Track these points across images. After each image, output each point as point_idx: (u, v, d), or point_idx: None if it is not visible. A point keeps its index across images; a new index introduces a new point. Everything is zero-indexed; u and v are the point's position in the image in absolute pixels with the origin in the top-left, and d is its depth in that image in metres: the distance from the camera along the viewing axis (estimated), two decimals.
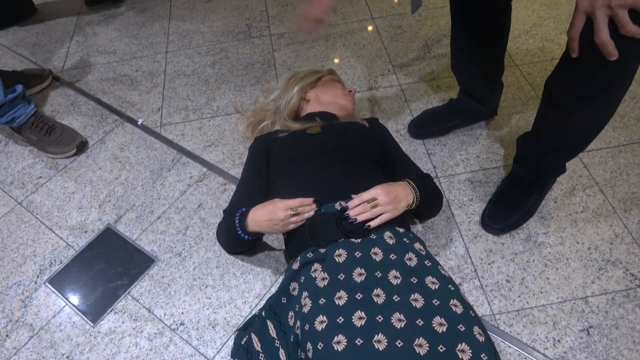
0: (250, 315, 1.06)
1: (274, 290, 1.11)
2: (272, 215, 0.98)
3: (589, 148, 1.31)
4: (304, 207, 0.98)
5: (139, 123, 1.54)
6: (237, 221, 1.02)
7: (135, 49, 1.81)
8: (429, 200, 1.11)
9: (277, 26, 1.84)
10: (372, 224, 0.95)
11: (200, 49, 1.78)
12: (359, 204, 0.95)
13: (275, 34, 1.81)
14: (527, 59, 1.58)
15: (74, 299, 1.16)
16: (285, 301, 0.97)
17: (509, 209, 1.18)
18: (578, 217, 1.19)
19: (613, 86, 0.87)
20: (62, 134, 1.47)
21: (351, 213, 0.95)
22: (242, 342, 0.97)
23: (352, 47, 1.71)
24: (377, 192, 0.96)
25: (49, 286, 1.19)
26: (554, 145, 1.06)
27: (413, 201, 1.01)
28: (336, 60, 1.67)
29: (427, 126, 1.39)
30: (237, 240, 1.05)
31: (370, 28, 1.78)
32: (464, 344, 0.78)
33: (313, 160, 1.07)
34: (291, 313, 0.93)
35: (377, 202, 0.95)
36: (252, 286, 1.14)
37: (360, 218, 0.94)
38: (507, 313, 1.05)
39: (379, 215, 0.95)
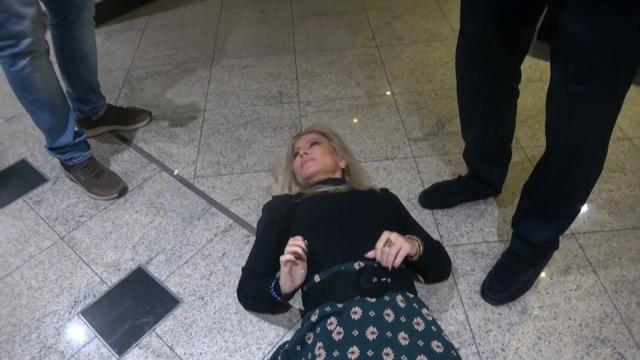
0: None
1: (286, 338, 1.21)
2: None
3: (585, 230, 1.43)
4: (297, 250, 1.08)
5: (175, 173, 1.70)
6: (273, 289, 1.14)
7: (177, 105, 2.01)
8: (434, 257, 1.24)
9: (306, 94, 2.03)
10: (396, 263, 1.06)
11: (235, 110, 1.97)
12: (381, 254, 1.07)
13: (303, 101, 2.00)
14: (532, 142, 1.73)
15: (103, 331, 1.27)
16: (299, 349, 1.06)
17: (507, 281, 1.28)
18: (572, 295, 1.28)
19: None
20: (108, 178, 1.62)
21: (382, 263, 1.07)
22: None
23: (372, 119, 1.88)
24: (386, 234, 1.09)
25: (82, 317, 1.30)
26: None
27: (418, 244, 1.14)
28: (356, 123, 1.83)
29: (437, 198, 1.52)
30: (269, 302, 1.16)
31: (389, 102, 1.96)
32: None
33: (334, 224, 1.20)
34: None
35: (392, 242, 1.07)
36: (266, 334, 1.24)
37: (389, 263, 1.06)
38: None
39: (398, 253, 1.06)
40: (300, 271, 1.10)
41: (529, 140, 1.74)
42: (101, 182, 1.61)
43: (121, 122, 1.88)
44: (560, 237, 1.39)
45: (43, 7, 1.40)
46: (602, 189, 1.55)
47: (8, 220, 1.57)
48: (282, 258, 1.08)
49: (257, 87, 2.09)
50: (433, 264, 1.27)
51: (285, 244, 1.16)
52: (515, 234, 1.32)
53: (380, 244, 1.08)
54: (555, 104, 1.03)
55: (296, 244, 1.07)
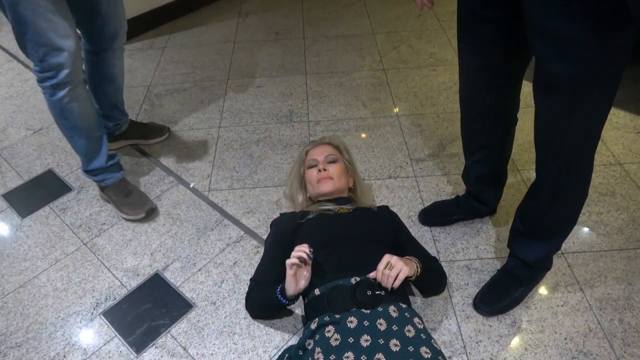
0: None
1: (291, 343, 1.31)
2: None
3: (574, 250, 1.52)
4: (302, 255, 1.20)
5: (191, 186, 1.82)
6: (279, 292, 1.25)
7: (193, 122, 2.14)
8: (431, 275, 1.34)
9: (315, 114, 2.15)
10: (395, 285, 1.16)
11: (248, 127, 2.09)
12: (382, 276, 1.18)
13: (313, 120, 2.11)
14: (527, 165, 1.83)
15: (123, 331, 1.38)
16: (301, 354, 1.16)
17: (498, 295, 1.38)
18: (558, 310, 1.37)
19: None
20: (137, 197, 1.70)
21: (382, 284, 1.17)
22: None
23: (377, 139, 1.99)
24: (387, 257, 1.19)
25: (103, 318, 1.41)
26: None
27: (417, 266, 1.24)
28: (362, 142, 1.94)
29: (435, 216, 1.62)
30: (277, 306, 1.28)
31: (394, 124, 2.07)
32: None
33: (334, 243, 1.30)
34: None
35: (391, 264, 1.17)
36: (272, 338, 1.34)
37: (389, 285, 1.16)
38: None
39: (397, 276, 1.16)
40: (305, 274, 1.22)
41: (525, 164, 1.83)
42: (130, 201, 1.69)
43: (142, 136, 1.99)
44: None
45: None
46: (592, 212, 1.64)
47: (36, 226, 1.70)
48: (288, 261, 1.19)
49: (269, 106, 2.21)
50: (429, 282, 1.38)
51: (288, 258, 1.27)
52: (511, 253, 1.42)
53: (381, 266, 1.19)
54: (539, 121, 1.12)
55: (302, 250, 1.19)
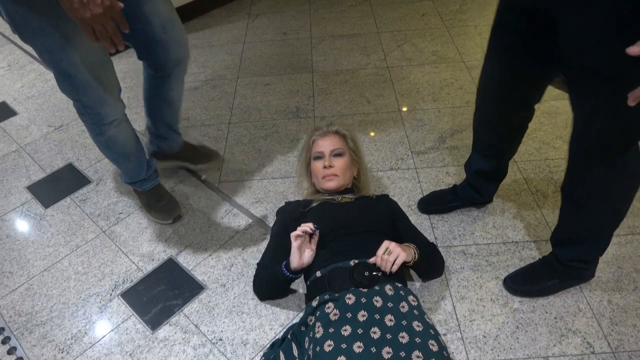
0: (275, 339, 1.34)
1: (295, 321, 1.40)
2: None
3: None
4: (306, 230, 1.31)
5: (202, 178, 1.92)
6: (284, 266, 1.35)
7: (205, 118, 2.24)
8: (429, 261, 1.42)
9: (321, 110, 2.24)
10: (393, 269, 1.25)
11: (257, 123, 2.19)
12: (381, 261, 1.26)
13: (318, 116, 2.20)
14: (524, 157, 1.90)
15: (139, 310, 1.48)
16: (304, 329, 1.25)
17: (530, 280, 1.43)
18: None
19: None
20: (167, 203, 1.73)
21: (382, 268, 1.26)
22: (271, 357, 1.25)
23: (380, 133, 2.08)
24: (385, 243, 1.28)
25: (121, 299, 1.52)
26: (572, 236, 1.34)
27: (414, 252, 1.33)
28: (365, 137, 2.03)
29: (433, 204, 1.70)
30: (282, 282, 1.37)
31: (396, 119, 2.15)
32: None
33: (335, 230, 1.39)
34: (307, 338, 1.21)
35: (390, 249, 1.26)
36: (278, 317, 1.43)
37: (387, 269, 1.25)
38: None
39: (395, 261, 1.25)
40: (309, 251, 1.32)
41: (522, 155, 1.90)
42: (160, 206, 1.72)
43: (191, 160, 1.91)
44: (544, 242, 1.56)
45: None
46: None
47: (58, 215, 1.81)
48: (293, 233, 1.30)
49: (277, 103, 2.31)
50: (427, 267, 1.46)
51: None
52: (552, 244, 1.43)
53: (380, 251, 1.27)
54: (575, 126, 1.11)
55: (307, 225, 1.29)
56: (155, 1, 1.35)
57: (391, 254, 1.26)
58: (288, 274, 1.33)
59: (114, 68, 1.39)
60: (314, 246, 1.34)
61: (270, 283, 1.42)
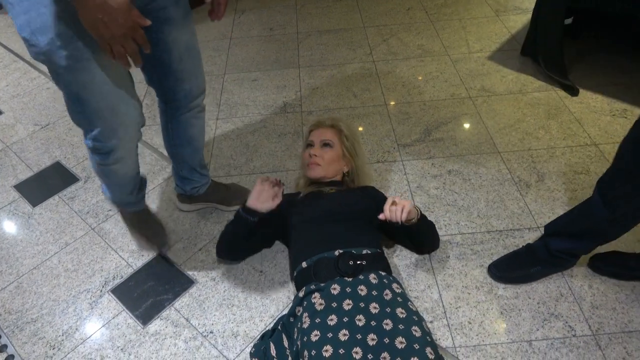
0: (265, 330, 1.37)
1: (285, 312, 1.42)
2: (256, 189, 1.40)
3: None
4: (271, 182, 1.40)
5: None
6: (241, 209, 1.40)
7: None
8: (428, 224, 1.48)
9: (308, 105, 2.26)
10: (403, 217, 1.29)
11: (244, 119, 2.20)
12: (389, 212, 1.30)
13: (305, 111, 2.22)
14: (508, 147, 1.93)
15: (130, 306, 1.49)
16: (292, 320, 1.28)
17: (512, 266, 1.46)
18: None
19: None
20: (152, 230, 1.62)
21: (392, 219, 1.30)
22: (262, 348, 1.27)
23: (367, 126, 2.10)
24: (390, 198, 1.34)
25: (111, 294, 1.53)
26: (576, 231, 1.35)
27: (417, 208, 1.39)
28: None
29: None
30: (240, 225, 1.42)
31: (383, 112, 2.18)
32: (416, 357, 1.06)
33: (321, 221, 1.41)
34: (295, 329, 1.23)
35: (396, 202, 1.31)
36: (267, 308, 1.45)
37: (398, 218, 1.29)
38: (466, 347, 1.32)
39: (403, 209, 1.30)
40: (269, 201, 1.39)
41: (506, 145, 1.94)
42: (144, 232, 1.63)
43: (223, 201, 1.75)
44: (527, 230, 1.60)
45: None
46: (567, 189, 1.74)
47: (46, 213, 1.81)
48: (262, 177, 1.41)
49: (264, 99, 2.32)
50: (428, 230, 1.49)
51: (282, 228, 1.47)
52: (542, 237, 1.47)
53: (387, 205, 1.32)
54: None
55: (276, 178, 1.41)
56: (180, 28, 1.23)
57: (398, 205, 1.30)
58: (243, 213, 1.39)
59: (134, 89, 1.25)
60: (275, 202, 1.40)
61: (228, 227, 1.46)
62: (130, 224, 1.67)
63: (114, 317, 1.46)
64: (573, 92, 2.17)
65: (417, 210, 1.38)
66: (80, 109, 1.15)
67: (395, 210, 1.29)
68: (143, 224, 1.64)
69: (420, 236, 1.49)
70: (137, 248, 1.65)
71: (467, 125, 2.05)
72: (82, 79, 1.07)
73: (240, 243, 1.49)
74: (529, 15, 2.34)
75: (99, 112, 1.15)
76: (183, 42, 1.26)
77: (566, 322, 1.36)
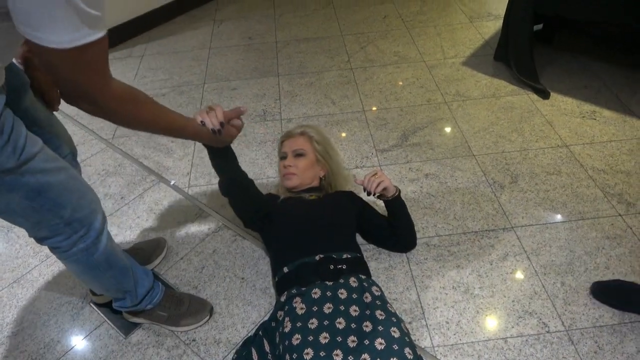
0: (247, 336, 1.38)
1: (266, 318, 1.44)
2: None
3: (523, 224, 1.67)
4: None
5: (172, 184, 1.94)
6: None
7: None
8: (405, 212, 1.55)
9: (287, 112, 2.29)
10: (378, 190, 1.44)
11: None
12: (367, 182, 1.44)
13: (285, 118, 2.25)
14: (482, 150, 1.99)
15: (111, 317, 1.49)
16: (274, 325, 1.29)
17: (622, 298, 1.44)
18: (507, 277, 1.52)
19: None
20: (190, 303, 1.45)
21: (367, 187, 1.44)
22: (243, 354, 1.29)
23: (345, 133, 2.14)
24: (374, 169, 1.47)
25: (93, 306, 1.53)
26: None
27: (397, 190, 1.50)
28: (331, 137, 2.08)
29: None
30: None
31: (361, 118, 2.22)
32: (395, 358, 1.09)
33: (301, 227, 1.44)
34: (277, 333, 1.25)
35: (377, 174, 1.46)
36: (249, 315, 1.47)
37: (372, 189, 1.44)
38: (444, 347, 1.36)
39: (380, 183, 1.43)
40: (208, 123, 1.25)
41: (480, 149, 1.99)
42: (185, 309, 1.43)
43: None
44: (502, 230, 1.65)
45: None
46: (539, 189, 1.80)
47: None
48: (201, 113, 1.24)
49: None
50: (405, 217, 1.55)
51: (267, 223, 1.49)
52: None
53: (368, 175, 1.44)
54: None
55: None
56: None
57: (377, 177, 1.43)
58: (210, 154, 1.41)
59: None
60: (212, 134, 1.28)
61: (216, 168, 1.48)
62: (165, 314, 1.41)
63: (95, 328, 1.47)
64: (544, 95, 2.24)
65: (396, 190, 1.49)
66: (41, 203, 0.96)
67: (373, 180, 1.39)
68: (179, 307, 1.43)
69: (395, 218, 1.55)
70: None
71: (443, 130, 2.10)
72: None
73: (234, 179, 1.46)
74: (502, 21, 2.41)
75: (65, 191, 1.01)
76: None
77: (540, 319, 1.41)
